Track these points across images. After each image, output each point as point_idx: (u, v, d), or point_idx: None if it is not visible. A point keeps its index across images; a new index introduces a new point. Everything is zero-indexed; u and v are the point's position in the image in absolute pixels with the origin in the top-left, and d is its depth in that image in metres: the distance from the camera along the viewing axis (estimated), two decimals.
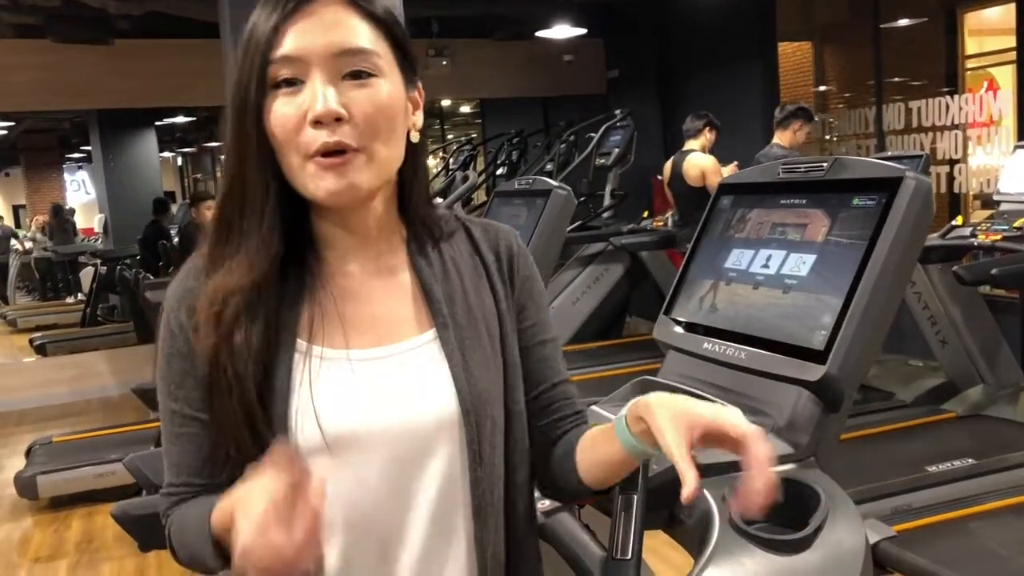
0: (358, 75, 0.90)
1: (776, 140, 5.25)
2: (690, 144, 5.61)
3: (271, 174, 0.92)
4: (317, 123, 0.88)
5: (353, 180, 0.90)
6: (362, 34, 0.91)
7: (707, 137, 5.60)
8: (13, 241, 14.72)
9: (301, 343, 0.94)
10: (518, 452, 1.02)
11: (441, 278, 1.01)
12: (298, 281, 0.96)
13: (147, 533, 2.35)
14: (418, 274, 1.00)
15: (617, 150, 6.68)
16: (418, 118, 0.99)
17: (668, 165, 5.73)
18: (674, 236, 5.88)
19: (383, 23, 0.93)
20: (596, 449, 1.01)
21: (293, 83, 0.89)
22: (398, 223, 1.02)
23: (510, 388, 1.02)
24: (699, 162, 5.46)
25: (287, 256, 0.95)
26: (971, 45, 5.82)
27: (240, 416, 0.91)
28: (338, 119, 0.88)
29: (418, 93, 0.99)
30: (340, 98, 0.89)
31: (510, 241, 1.07)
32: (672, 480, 1.34)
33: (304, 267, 0.97)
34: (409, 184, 1.01)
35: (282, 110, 0.89)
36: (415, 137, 0.98)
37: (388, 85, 0.92)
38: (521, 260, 1.07)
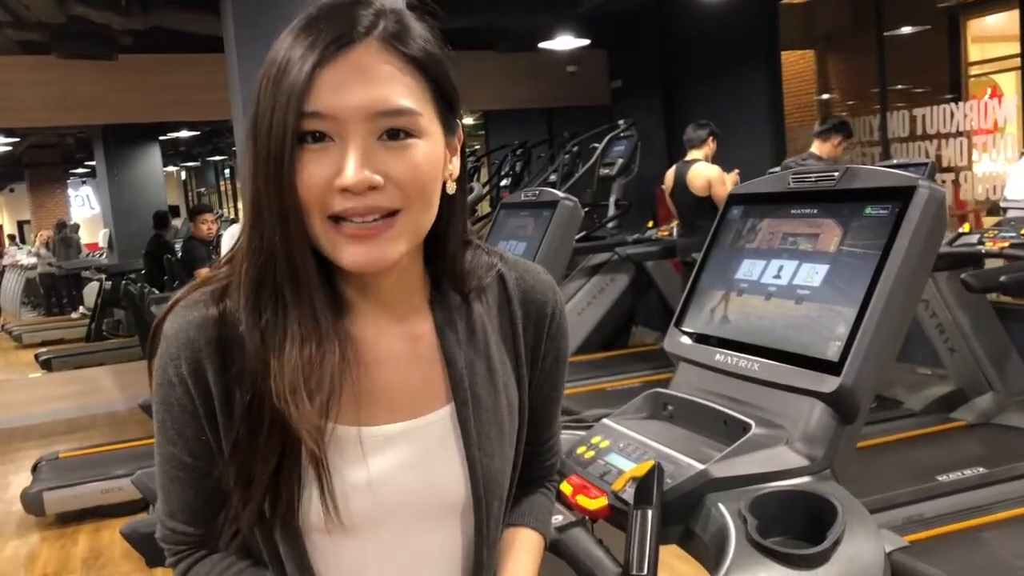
0: (396, 135, 0.82)
1: (814, 150, 5.27)
2: (693, 154, 5.60)
3: (308, 237, 0.84)
4: (345, 191, 0.80)
5: (384, 252, 0.83)
6: (401, 89, 0.82)
7: (710, 147, 5.61)
8: (18, 257, 14.76)
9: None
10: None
11: (465, 343, 0.94)
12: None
13: (156, 551, 2.32)
14: (441, 339, 0.93)
15: (621, 160, 6.69)
16: (455, 165, 0.90)
17: (670, 175, 5.71)
18: (676, 246, 5.88)
19: (424, 68, 0.84)
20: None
21: (322, 138, 0.81)
22: (423, 279, 0.95)
23: (517, 464, 1.00)
24: (705, 172, 5.45)
25: None
26: (974, 52, 5.82)
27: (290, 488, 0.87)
28: (372, 187, 0.81)
29: (457, 138, 0.91)
30: (376, 163, 0.81)
31: (548, 297, 1.00)
32: (687, 494, 1.34)
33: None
34: (443, 235, 0.92)
35: (311, 169, 0.81)
36: (451, 188, 0.90)
37: (427, 145, 0.83)
38: (556, 321, 1.01)
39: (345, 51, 0.80)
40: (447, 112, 0.87)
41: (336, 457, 0.88)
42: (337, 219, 0.82)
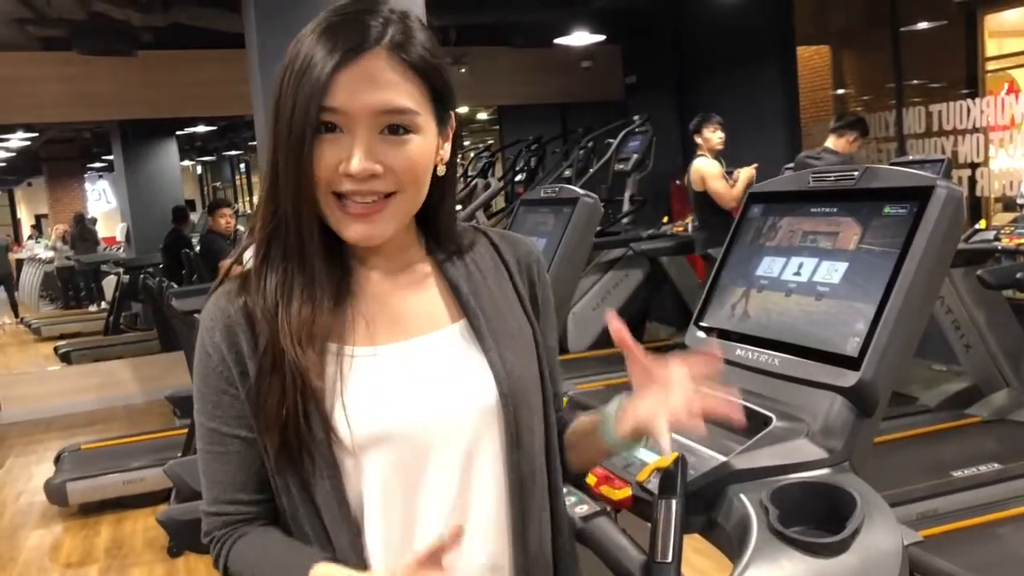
0: (396, 130, 0.94)
1: (830, 145, 5.28)
2: (699, 149, 5.66)
3: (318, 210, 0.97)
4: (349, 176, 0.94)
5: (379, 229, 0.97)
6: (403, 92, 0.94)
7: (707, 137, 5.60)
8: (36, 250, 14.88)
9: (331, 345, 0.97)
10: (553, 437, 1.07)
11: (465, 277, 1.05)
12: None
13: (189, 537, 2.39)
14: (444, 273, 1.05)
15: (636, 156, 6.71)
16: (446, 150, 1.02)
17: (688, 169, 5.78)
18: (692, 241, 5.91)
19: (423, 73, 0.96)
20: (583, 448, 1.12)
21: (334, 129, 0.94)
22: (417, 237, 1.07)
23: (544, 376, 1.07)
24: (700, 167, 5.55)
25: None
26: (991, 47, 5.79)
27: (292, 413, 0.94)
28: (373, 175, 0.94)
29: (450, 127, 1.02)
30: (377, 154, 0.93)
31: (530, 248, 1.14)
32: (710, 485, 1.37)
33: (329, 272, 1.01)
34: (434, 210, 1.05)
35: (325, 152, 0.93)
36: (441, 171, 1.02)
37: (422, 140, 0.96)
38: (540, 269, 1.14)
39: (357, 58, 0.93)
40: (441, 110, 1.00)
41: (357, 376, 0.97)
42: (340, 196, 0.95)
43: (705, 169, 5.51)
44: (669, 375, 1.00)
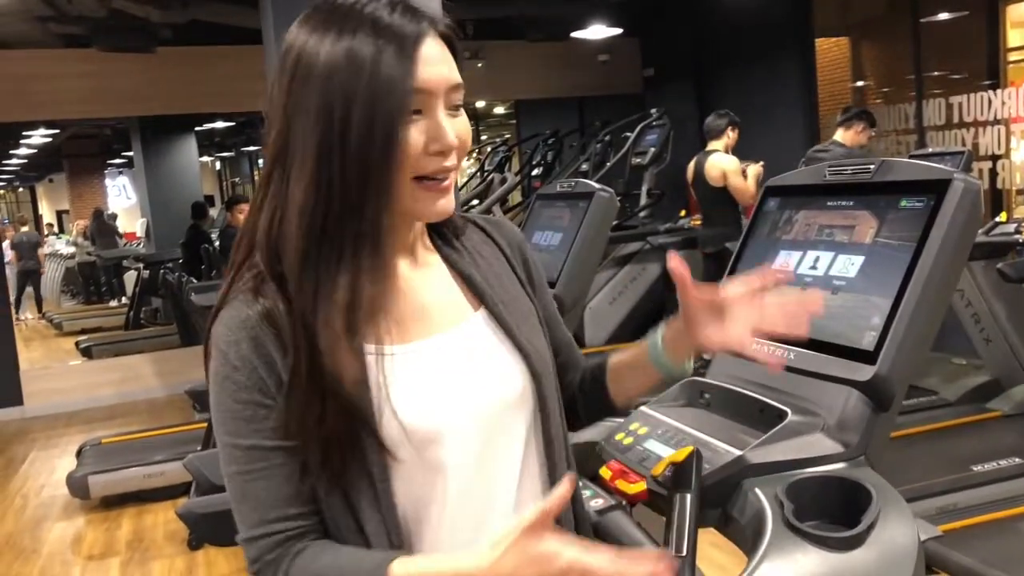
0: (456, 107, 0.97)
1: (838, 138, 5.29)
2: (713, 144, 5.61)
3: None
4: (441, 153, 0.95)
5: (452, 201, 1.00)
6: (455, 68, 0.97)
7: (730, 136, 5.60)
8: (57, 246, 15.01)
9: (369, 346, 0.94)
10: (561, 398, 1.11)
11: (474, 265, 1.08)
12: None
13: (208, 530, 2.41)
14: (452, 265, 1.07)
15: (653, 149, 6.69)
16: None
17: (691, 165, 5.73)
18: (698, 237, 5.88)
19: (453, 45, 0.99)
20: (629, 380, 1.18)
21: (417, 112, 0.94)
22: (424, 227, 1.08)
23: (551, 351, 1.11)
24: (721, 163, 5.49)
25: None
26: (1013, 38, 5.74)
27: (340, 422, 0.92)
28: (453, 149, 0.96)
29: None
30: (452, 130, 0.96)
31: (514, 229, 1.18)
32: (725, 479, 1.37)
33: None
34: None
35: (414, 138, 0.94)
36: None
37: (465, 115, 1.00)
38: (525, 246, 1.18)
39: (423, 39, 0.94)
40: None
41: (398, 375, 0.96)
42: (420, 179, 0.95)
43: (726, 165, 5.47)
44: (736, 297, 1.04)
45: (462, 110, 0.98)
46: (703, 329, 1.06)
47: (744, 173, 5.47)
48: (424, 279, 1.04)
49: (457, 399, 0.98)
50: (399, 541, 0.95)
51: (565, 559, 0.82)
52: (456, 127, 0.96)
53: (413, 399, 0.95)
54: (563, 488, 0.85)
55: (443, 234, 1.09)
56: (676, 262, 1.02)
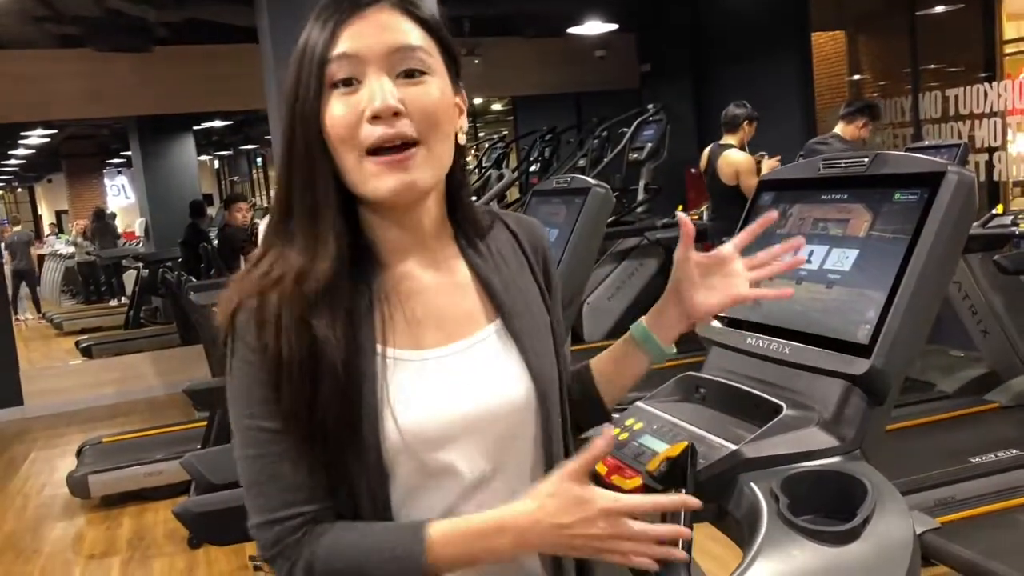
0: (411, 74, 0.94)
1: (838, 131, 5.23)
2: (728, 138, 5.52)
3: (334, 177, 0.95)
4: (375, 119, 0.91)
5: (414, 177, 0.94)
6: (413, 34, 0.95)
7: (746, 131, 5.52)
8: (57, 246, 15.00)
9: (377, 347, 0.95)
10: (567, 415, 1.09)
11: (496, 270, 1.05)
12: (363, 287, 0.97)
13: (205, 529, 2.40)
14: (474, 268, 1.05)
15: (650, 144, 6.68)
16: (463, 121, 1.03)
17: (705, 155, 5.65)
18: (707, 229, 5.87)
19: (431, 27, 0.97)
20: (618, 376, 1.18)
21: (349, 83, 0.92)
22: (447, 222, 1.06)
23: (558, 360, 1.09)
24: (734, 160, 5.38)
25: (349, 264, 0.97)
26: (1009, 30, 5.73)
27: (336, 409, 0.92)
28: (396, 113, 0.92)
29: (461, 99, 1.03)
30: (397, 94, 0.92)
31: (541, 234, 1.15)
32: (720, 474, 1.37)
33: (365, 274, 0.98)
34: (457, 185, 1.05)
35: (339, 110, 0.92)
36: (462, 139, 1.03)
37: (439, 83, 0.96)
38: (549, 254, 1.16)
39: (362, 11, 0.93)
40: (453, 69, 1.00)
41: (403, 379, 0.95)
42: (374, 153, 0.92)
43: (740, 163, 5.35)
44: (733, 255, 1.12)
45: (427, 77, 0.94)
46: (695, 295, 1.10)
47: (759, 167, 5.39)
48: (443, 282, 1.03)
49: (459, 410, 0.97)
50: None
51: (604, 502, 0.87)
52: (407, 93, 0.93)
53: (413, 405, 0.95)
54: (603, 442, 0.89)
55: (468, 234, 1.06)
56: (684, 218, 1.07)
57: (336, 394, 0.91)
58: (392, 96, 0.91)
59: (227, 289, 0.97)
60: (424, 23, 0.96)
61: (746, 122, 5.49)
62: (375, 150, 0.92)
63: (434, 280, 1.02)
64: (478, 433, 0.98)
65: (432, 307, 1.01)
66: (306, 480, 0.93)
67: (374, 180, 0.93)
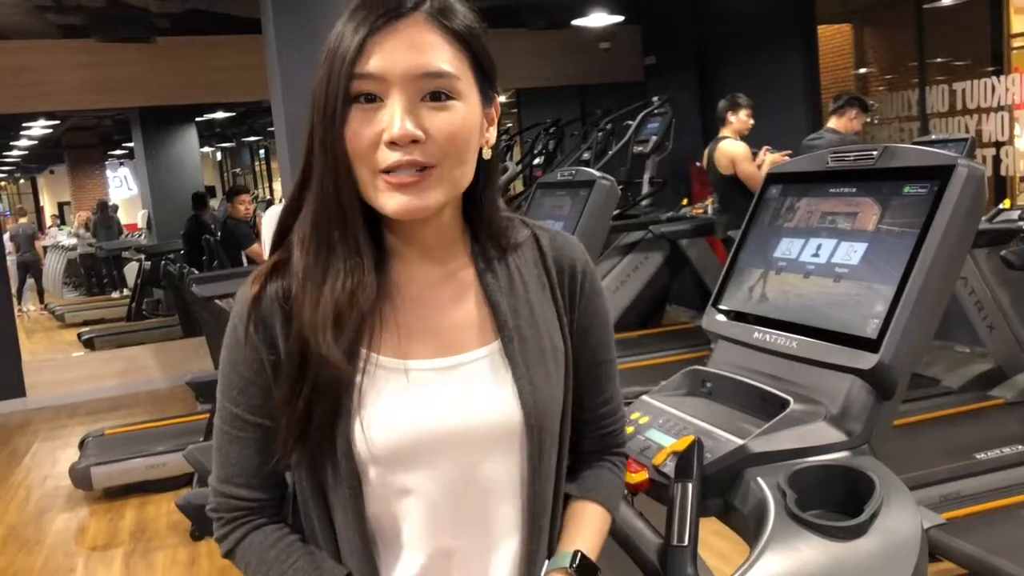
0: (438, 97, 0.90)
1: (831, 125, 5.27)
2: (723, 131, 5.59)
3: (356, 185, 0.93)
4: (392, 144, 0.89)
5: (424, 200, 0.91)
6: (444, 56, 0.90)
7: (740, 120, 5.56)
8: (59, 238, 15.00)
9: (361, 351, 0.94)
10: (564, 457, 1.05)
11: (507, 289, 1.00)
12: None
13: (207, 521, 2.39)
14: (484, 284, 1.00)
15: (655, 137, 6.66)
16: (491, 134, 0.99)
17: (707, 151, 5.73)
18: (712, 223, 5.86)
19: (465, 41, 0.93)
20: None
21: (372, 99, 0.90)
22: (463, 232, 1.02)
23: (567, 398, 1.03)
24: (729, 150, 5.47)
25: None
26: (1017, 23, 5.69)
27: (323, 417, 0.92)
28: (414, 141, 0.89)
29: (494, 109, 0.99)
30: (419, 120, 0.89)
31: (577, 256, 1.07)
32: (726, 468, 1.36)
33: None
34: (479, 197, 1.01)
35: (359, 127, 0.90)
36: (487, 154, 0.99)
37: (465, 108, 0.92)
38: (588, 280, 1.07)
39: (394, 23, 0.89)
40: (485, 83, 0.96)
41: (382, 387, 0.94)
42: (387, 171, 0.90)
43: (735, 151, 5.43)
44: None
45: (453, 103, 0.91)
46: None
47: (758, 160, 5.41)
48: (444, 296, 1.00)
49: (433, 428, 0.94)
50: (367, 556, 0.96)
51: None
52: (429, 120, 0.89)
53: (387, 416, 0.93)
54: None
55: (487, 249, 1.02)
56: None
57: (316, 392, 0.92)
58: (412, 124, 0.88)
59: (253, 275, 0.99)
60: (457, 36, 0.92)
61: (730, 112, 5.51)
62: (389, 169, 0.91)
63: (435, 292, 1.00)
64: (444, 457, 0.95)
65: (427, 319, 0.98)
66: (255, 467, 0.98)
67: (384, 196, 0.91)
